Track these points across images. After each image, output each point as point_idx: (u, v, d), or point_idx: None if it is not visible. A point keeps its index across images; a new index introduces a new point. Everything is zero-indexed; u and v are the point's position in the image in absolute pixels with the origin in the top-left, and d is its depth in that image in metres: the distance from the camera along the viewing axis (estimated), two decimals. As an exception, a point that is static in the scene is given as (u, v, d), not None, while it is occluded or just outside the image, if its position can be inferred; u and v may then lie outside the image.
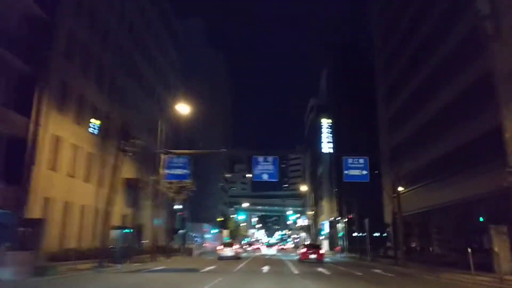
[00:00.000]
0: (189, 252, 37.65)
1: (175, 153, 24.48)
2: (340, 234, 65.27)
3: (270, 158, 23.45)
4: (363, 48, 63.21)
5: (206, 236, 59.02)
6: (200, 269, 19.04)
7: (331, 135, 69.56)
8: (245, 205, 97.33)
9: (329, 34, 78.35)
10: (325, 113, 70.97)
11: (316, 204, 70.01)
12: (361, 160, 23.34)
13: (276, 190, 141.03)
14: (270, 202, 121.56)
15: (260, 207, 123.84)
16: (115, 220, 30.21)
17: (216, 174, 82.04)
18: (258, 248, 63.44)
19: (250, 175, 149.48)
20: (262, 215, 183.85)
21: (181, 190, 31.98)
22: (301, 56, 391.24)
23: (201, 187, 72.40)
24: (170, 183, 30.81)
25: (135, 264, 22.16)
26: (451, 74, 25.91)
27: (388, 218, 41.37)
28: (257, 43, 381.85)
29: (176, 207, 54.04)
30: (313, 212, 64.86)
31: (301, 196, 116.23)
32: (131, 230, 22.92)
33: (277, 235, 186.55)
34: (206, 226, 58.26)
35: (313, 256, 27.71)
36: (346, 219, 59.03)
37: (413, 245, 34.97)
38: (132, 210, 33.40)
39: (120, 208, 31.49)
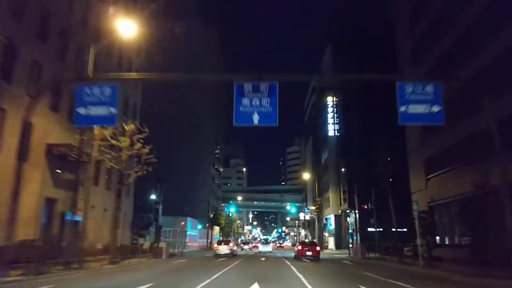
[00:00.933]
0: (157, 253, 26.86)
1: (96, 79, 13.56)
2: (350, 230, 54.55)
3: (264, 86, 12.64)
4: (373, 17, 52.64)
5: (190, 232, 48.20)
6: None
7: (337, 115, 58.93)
8: (240, 199, 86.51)
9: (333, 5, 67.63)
10: (330, 92, 60.35)
11: (320, 196, 59.28)
12: (429, 88, 12.50)
13: (274, 185, 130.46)
14: (267, 197, 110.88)
15: (256, 203, 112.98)
16: (31, 206, 19.42)
17: (206, 164, 71.30)
18: (256, 246, 57.71)
19: (245, 169, 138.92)
20: (259, 213, 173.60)
21: (133, 160, 21.10)
22: (301, 35, 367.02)
23: (188, 178, 61.78)
24: (110, 147, 19.93)
25: (8, 279, 11.37)
26: None
27: (419, 206, 31.10)
28: (253, 19, 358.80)
29: (152, 197, 43.34)
30: (316, 207, 54.15)
31: (300, 190, 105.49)
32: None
33: (275, 232, 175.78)
34: (189, 221, 47.37)
35: (309, 253, 27.43)
36: (357, 212, 48.59)
37: (466, 241, 24.38)
38: (66, 192, 22.55)
39: (41, 188, 20.66)
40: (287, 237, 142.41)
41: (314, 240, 68.34)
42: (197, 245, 51.12)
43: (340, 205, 56.74)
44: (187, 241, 46.06)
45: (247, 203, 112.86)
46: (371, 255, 32.00)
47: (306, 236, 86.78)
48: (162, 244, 27.98)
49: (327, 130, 59.57)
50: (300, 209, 77.35)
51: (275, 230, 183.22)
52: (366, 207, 41.47)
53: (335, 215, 57.94)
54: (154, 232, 43.39)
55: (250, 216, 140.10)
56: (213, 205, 72.71)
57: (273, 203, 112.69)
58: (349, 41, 53.93)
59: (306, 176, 56.98)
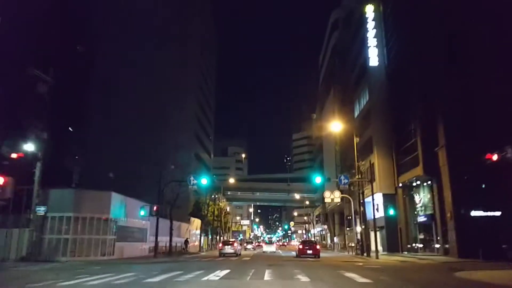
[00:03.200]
0: None
1: None
2: (422, 216, 30.29)
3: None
4: None
5: (123, 224, 23.72)
6: None
7: (385, 32, 34.93)
8: (232, 181, 62.42)
9: None
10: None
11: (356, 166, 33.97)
12: None
13: (278, 173, 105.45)
14: (271, 186, 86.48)
15: (258, 194, 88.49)
16: None
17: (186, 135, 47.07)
18: (260, 246, 53.99)
19: (244, 155, 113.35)
20: (262, 210, 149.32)
21: None
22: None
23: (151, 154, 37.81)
24: None
25: None
26: None
27: None
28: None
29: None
30: (358, 176, 29.34)
31: (311, 179, 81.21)
32: None
33: (280, 231, 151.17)
34: (120, 201, 22.95)
35: (309, 251, 25.94)
36: (447, 177, 24.95)
37: None
38: None
39: None
40: (294, 236, 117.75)
41: (335, 239, 44.00)
42: (143, 248, 26.75)
43: (395, 177, 32.44)
44: (111, 236, 21.69)
45: (247, 195, 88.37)
46: None
47: (325, 233, 62.34)
48: None
49: (367, 59, 35.27)
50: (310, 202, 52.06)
51: (280, 228, 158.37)
52: (493, 158, 16.84)
53: (384, 195, 33.53)
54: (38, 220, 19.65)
55: (251, 210, 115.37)
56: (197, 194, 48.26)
57: (277, 194, 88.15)
58: None
59: (337, 126, 31.26)
